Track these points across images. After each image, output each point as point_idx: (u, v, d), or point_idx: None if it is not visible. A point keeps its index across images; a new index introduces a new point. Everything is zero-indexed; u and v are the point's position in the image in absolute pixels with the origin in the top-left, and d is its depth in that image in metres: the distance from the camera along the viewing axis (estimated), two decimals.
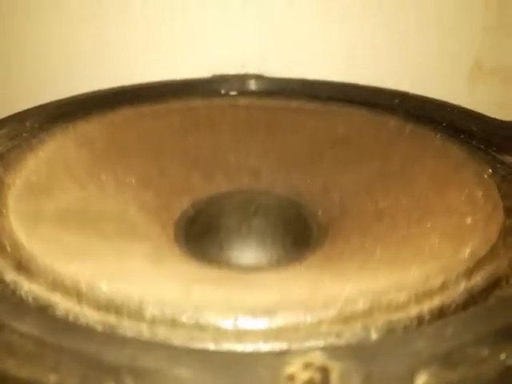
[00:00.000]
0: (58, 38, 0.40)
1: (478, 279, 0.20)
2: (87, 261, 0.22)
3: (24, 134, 0.32)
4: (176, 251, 0.28)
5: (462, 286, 0.19)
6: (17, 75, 0.41)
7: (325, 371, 0.14)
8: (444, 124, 0.35)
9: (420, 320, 0.18)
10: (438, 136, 0.34)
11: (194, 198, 0.32)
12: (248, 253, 0.30)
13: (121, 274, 0.21)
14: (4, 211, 0.24)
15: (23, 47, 0.40)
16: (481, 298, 0.19)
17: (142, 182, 0.32)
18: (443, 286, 0.19)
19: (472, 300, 0.19)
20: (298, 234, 0.32)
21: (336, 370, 0.14)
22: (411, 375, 0.14)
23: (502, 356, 0.16)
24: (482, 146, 0.33)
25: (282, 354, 0.15)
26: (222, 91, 0.40)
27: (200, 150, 0.35)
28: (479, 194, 0.28)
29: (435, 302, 0.18)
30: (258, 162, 0.36)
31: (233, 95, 0.40)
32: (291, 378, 0.14)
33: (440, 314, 0.18)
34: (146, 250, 0.26)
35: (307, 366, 0.14)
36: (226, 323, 0.17)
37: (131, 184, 0.32)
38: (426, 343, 0.16)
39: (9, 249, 0.21)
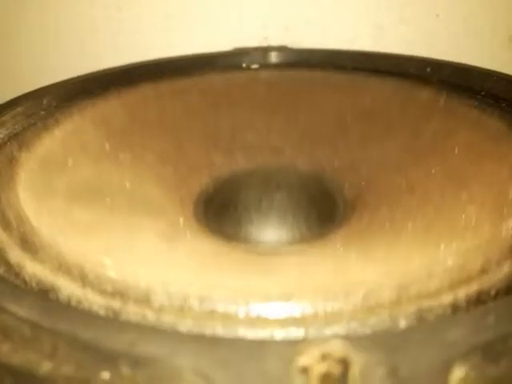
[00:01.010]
0: (75, 13, 0.38)
1: None
2: (97, 237, 0.21)
3: (41, 112, 0.31)
4: (193, 228, 0.26)
5: (505, 268, 0.17)
6: (34, 51, 0.40)
7: (344, 363, 0.12)
8: (483, 93, 0.32)
9: (455, 308, 0.15)
10: (475, 106, 0.31)
11: (213, 175, 0.31)
12: (269, 229, 0.28)
13: (130, 254, 0.20)
14: (14, 187, 0.23)
15: (41, 23, 0.39)
16: None
17: (160, 159, 0.31)
18: (482, 270, 0.16)
19: None
20: (323, 210, 0.30)
21: (357, 362, 0.12)
22: (446, 368, 0.12)
23: None
24: None
25: (295, 343, 0.13)
26: (244, 65, 0.38)
27: (219, 127, 0.33)
28: None
29: (473, 287, 0.16)
30: (280, 139, 0.34)
31: (254, 68, 0.37)
32: (305, 370, 0.12)
33: (478, 300, 0.15)
34: (161, 226, 0.24)
35: (324, 356, 0.12)
36: (237, 309, 0.16)
37: (149, 161, 0.30)
38: (464, 332, 0.13)
39: (15, 224, 0.20)
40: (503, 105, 0.31)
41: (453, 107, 0.31)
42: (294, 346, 0.13)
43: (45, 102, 0.32)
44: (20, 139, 0.28)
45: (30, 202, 0.22)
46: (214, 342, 0.14)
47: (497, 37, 0.39)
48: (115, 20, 0.39)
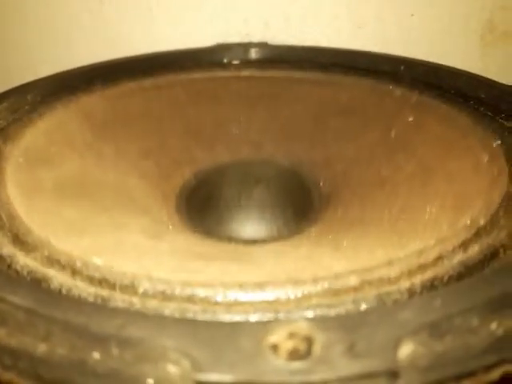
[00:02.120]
0: (58, 9, 0.39)
1: (475, 250, 0.19)
2: (84, 235, 0.22)
3: (26, 107, 0.32)
4: (176, 223, 0.28)
5: (458, 258, 0.19)
6: (17, 47, 0.40)
7: (309, 341, 0.14)
8: (452, 91, 0.34)
9: (411, 293, 0.17)
10: (444, 104, 0.33)
11: (195, 169, 0.32)
12: (248, 224, 0.30)
13: (117, 249, 0.21)
14: (2, 183, 0.24)
15: (23, 18, 0.40)
16: (476, 269, 0.19)
17: (143, 153, 0.32)
18: (438, 259, 0.19)
19: (467, 272, 0.18)
20: (299, 205, 0.32)
21: (319, 339, 0.14)
22: (396, 344, 0.14)
23: (493, 326, 0.15)
24: (489, 113, 0.32)
25: (267, 324, 0.15)
26: (225, 60, 0.39)
27: (201, 121, 0.35)
28: (484, 160, 0.27)
29: (428, 274, 0.18)
30: (260, 133, 0.35)
31: (235, 64, 0.39)
32: (275, 347, 0.14)
33: (432, 286, 0.18)
34: (145, 223, 0.26)
35: (291, 335, 0.14)
36: (215, 295, 0.17)
37: (132, 155, 0.32)
38: (414, 314, 0.15)
39: (6, 221, 0.21)
40: (471, 102, 0.33)
41: (424, 104, 0.33)
42: (265, 327, 0.15)
43: (29, 97, 0.33)
44: (5, 134, 0.29)
45: (20, 200, 0.23)
46: (195, 324, 0.16)
47: (469, 36, 0.41)
48: (98, 15, 0.40)
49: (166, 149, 0.33)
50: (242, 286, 0.18)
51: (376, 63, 0.37)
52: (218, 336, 0.15)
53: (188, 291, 0.17)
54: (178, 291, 0.17)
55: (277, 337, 0.14)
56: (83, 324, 0.16)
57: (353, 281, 0.18)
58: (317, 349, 0.14)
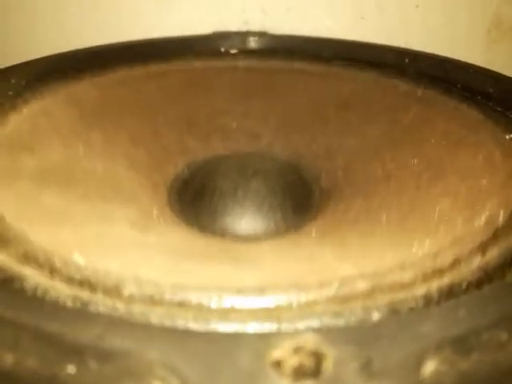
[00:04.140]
0: None
1: (494, 254, 0.17)
2: (65, 227, 0.20)
3: (9, 92, 0.30)
4: (167, 217, 0.25)
5: (476, 262, 0.17)
6: (4, 31, 0.38)
7: (317, 356, 0.12)
8: (459, 85, 0.32)
9: (428, 300, 0.15)
10: (451, 98, 0.31)
11: (188, 160, 0.30)
12: (244, 219, 0.28)
13: (101, 244, 0.19)
14: None
15: (12, 3, 0.37)
16: (497, 275, 0.17)
17: (134, 142, 0.30)
18: (454, 263, 0.16)
19: (487, 278, 0.16)
20: (299, 199, 0.29)
21: (330, 355, 0.12)
22: (418, 362, 0.12)
23: None
24: (499, 108, 0.30)
25: (268, 336, 0.13)
26: (222, 49, 0.37)
27: (196, 111, 0.33)
28: (497, 154, 0.25)
29: (445, 280, 0.16)
30: (258, 125, 0.33)
31: (233, 53, 0.37)
32: (277, 364, 0.12)
33: (450, 293, 0.15)
34: (134, 215, 0.24)
35: (297, 349, 0.12)
36: (210, 300, 0.15)
37: (121, 144, 0.29)
38: (435, 326, 0.13)
39: None
40: (478, 97, 0.31)
41: (430, 98, 0.31)
42: (266, 339, 0.13)
43: (13, 81, 0.30)
44: None
45: None
46: (186, 334, 0.13)
47: (475, 29, 0.39)
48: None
49: (158, 139, 0.31)
50: (240, 290, 0.16)
51: (379, 55, 0.36)
52: (212, 349, 0.12)
53: (179, 296, 0.15)
54: (167, 295, 0.15)
55: (280, 351, 0.12)
56: (57, 332, 0.13)
57: (362, 286, 0.16)
58: (328, 366, 0.12)
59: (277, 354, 0.12)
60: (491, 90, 0.31)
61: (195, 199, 0.28)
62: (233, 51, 0.37)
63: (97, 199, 0.24)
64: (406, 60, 0.35)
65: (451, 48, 0.37)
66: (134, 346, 0.13)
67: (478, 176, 0.23)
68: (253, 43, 0.37)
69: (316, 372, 0.12)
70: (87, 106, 0.30)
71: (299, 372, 0.12)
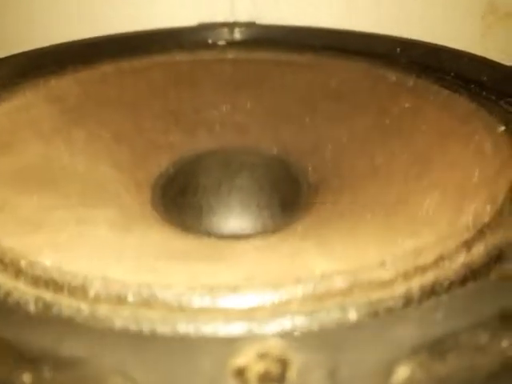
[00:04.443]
0: None
1: (480, 251, 0.16)
2: (40, 229, 0.19)
3: None
4: (149, 217, 0.25)
5: (461, 259, 0.16)
6: None
7: (283, 363, 0.11)
8: (452, 74, 0.31)
9: (407, 300, 0.14)
10: (443, 88, 0.30)
11: (173, 157, 0.29)
12: (229, 217, 0.27)
13: (74, 246, 0.18)
14: None
15: None
16: (481, 273, 0.16)
17: (117, 139, 0.29)
18: (438, 260, 0.16)
19: (471, 275, 0.16)
20: (286, 195, 0.29)
21: (296, 362, 0.11)
22: (389, 368, 0.11)
23: (504, 343, 0.12)
24: (492, 97, 0.29)
25: (233, 341, 0.12)
26: (210, 41, 0.36)
27: (182, 106, 0.32)
28: (488, 147, 0.24)
29: (427, 278, 0.15)
30: (245, 118, 0.32)
31: (220, 45, 0.36)
32: (240, 372, 0.11)
33: (432, 292, 0.15)
34: (114, 215, 0.23)
35: (262, 356, 0.12)
36: (180, 301, 0.14)
37: (104, 142, 0.28)
38: (412, 327, 0.12)
39: None
40: (472, 86, 0.30)
41: (421, 88, 0.30)
42: (230, 344, 0.12)
43: None
44: None
45: None
46: (147, 339, 0.13)
47: (469, 16, 0.38)
48: None
49: (143, 135, 0.30)
50: (211, 289, 0.15)
51: (370, 45, 0.34)
52: (172, 356, 0.12)
53: (145, 294, 0.14)
54: (133, 294, 0.14)
55: (244, 358, 0.11)
56: (12, 338, 0.13)
57: (339, 283, 0.15)
58: (292, 374, 0.11)
59: (240, 360, 0.11)
60: (485, 79, 0.31)
61: (178, 198, 0.27)
62: (220, 43, 0.36)
63: (77, 200, 0.23)
64: (398, 49, 0.34)
65: (446, 35, 0.36)
66: (90, 353, 0.12)
67: (467, 169, 0.22)
68: (240, 34, 0.36)
69: (280, 380, 0.11)
70: (69, 102, 0.30)
71: (264, 379, 0.11)
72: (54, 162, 0.26)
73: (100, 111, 0.30)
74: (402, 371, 0.11)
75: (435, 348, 0.12)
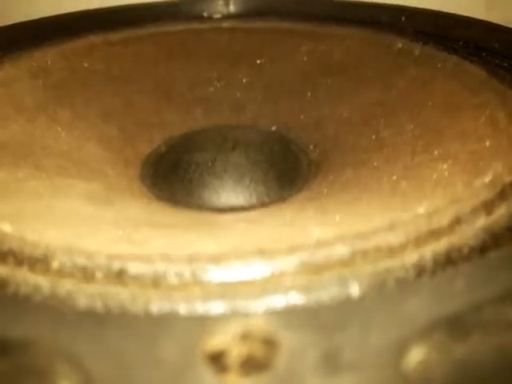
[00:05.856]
0: None
1: (502, 213, 0.14)
2: (9, 200, 0.17)
3: None
4: (135, 192, 0.22)
5: (480, 222, 0.13)
6: None
7: (271, 345, 0.09)
8: (461, 42, 0.29)
9: (420, 269, 0.12)
10: (453, 56, 0.27)
11: (165, 135, 0.27)
12: (222, 191, 0.25)
13: (43, 217, 0.16)
14: None
15: None
16: (505, 238, 0.13)
17: (105, 116, 0.27)
18: (454, 223, 0.13)
19: (493, 242, 0.13)
20: (285, 172, 0.26)
21: (285, 343, 0.09)
22: (399, 350, 0.09)
23: None
24: (505, 64, 0.27)
25: (208, 320, 0.10)
26: (205, 14, 0.33)
27: (174, 80, 0.29)
28: (501, 115, 0.22)
29: (442, 244, 0.13)
30: (242, 93, 0.30)
31: (217, 18, 0.33)
32: (216, 356, 0.09)
33: (448, 260, 0.12)
34: (95, 189, 0.21)
35: (244, 336, 0.09)
36: (154, 274, 0.12)
37: (91, 118, 0.26)
38: (426, 302, 0.10)
39: None
40: (483, 54, 0.28)
41: (429, 57, 0.28)
42: (205, 323, 0.10)
43: None
44: None
45: None
46: (109, 321, 0.10)
47: None
48: None
49: (133, 112, 0.28)
50: (190, 260, 0.13)
51: (374, 14, 0.32)
52: (135, 340, 0.10)
53: (115, 267, 0.12)
54: (102, 267, 0.12)
55: (221, 339, 0.09)
56: None
57: (340, 250, 0.13)
58: (281, 358, 0.09)
59: (215, 342, 0.09)
60: (496, 45, 0.28)
61: (169, 173, 0.25)
62: (216, 16, 0.34)
63: (55, 175, 0.21)
64: (403, 18, 0.32)
65: (449, 3, 0.34)
66: (39, 337, 0.10)
67: (479, 140, 0.20)
68: (238, 6, 0.34)
69: (267, 366, 0.09)
70: (53, 77, 0.27)
71: (246, 365, 0.09)
72: (36, 140, 0.24)
73: (87, 87, 0.28)
74: (415, 353, 0.09)
75: (454, 325, 0.10)
